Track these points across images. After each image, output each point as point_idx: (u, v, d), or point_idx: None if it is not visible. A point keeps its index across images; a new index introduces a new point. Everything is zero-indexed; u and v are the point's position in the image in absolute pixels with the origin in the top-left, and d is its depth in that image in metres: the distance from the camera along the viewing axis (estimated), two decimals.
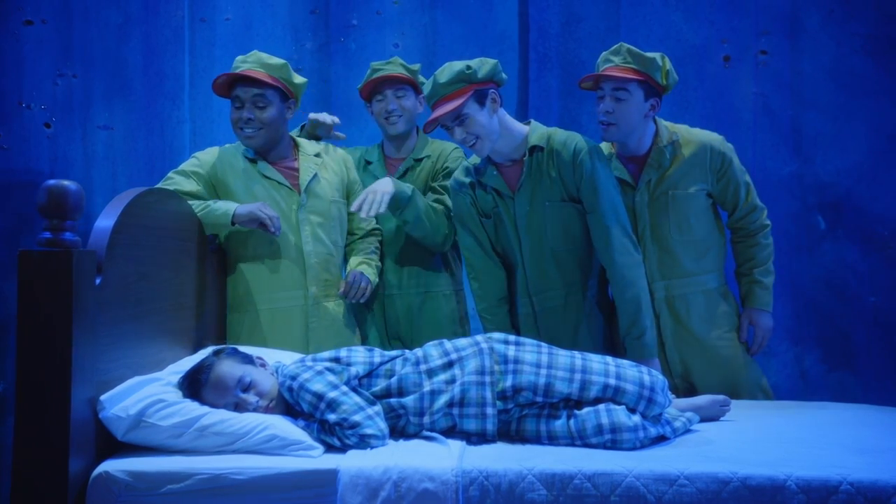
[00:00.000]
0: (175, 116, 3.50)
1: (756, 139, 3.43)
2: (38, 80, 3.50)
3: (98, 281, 1.93)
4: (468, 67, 2.46)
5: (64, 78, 3.51)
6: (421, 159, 2.91)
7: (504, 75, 2.57)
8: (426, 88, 2.54)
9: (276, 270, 2.70)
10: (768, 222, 2.74)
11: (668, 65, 2.62)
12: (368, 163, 2.97)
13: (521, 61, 3.50)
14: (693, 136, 2.68)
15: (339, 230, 2.80)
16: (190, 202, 2.59)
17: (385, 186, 2.63)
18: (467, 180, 2.66)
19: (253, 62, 2.69)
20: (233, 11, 3.52)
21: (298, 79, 2.76)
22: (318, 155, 2.81)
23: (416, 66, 2.91)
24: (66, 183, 1.85)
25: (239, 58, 2.73)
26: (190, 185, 2.65)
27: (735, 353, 2.68)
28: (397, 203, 2.68)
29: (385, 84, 2.85)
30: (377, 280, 2.81)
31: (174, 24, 3.49)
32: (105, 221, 2.02)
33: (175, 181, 2.65)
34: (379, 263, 2.84)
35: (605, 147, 2.77)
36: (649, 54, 2.59)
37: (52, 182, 1.85)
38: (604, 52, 2.65)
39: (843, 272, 3.39)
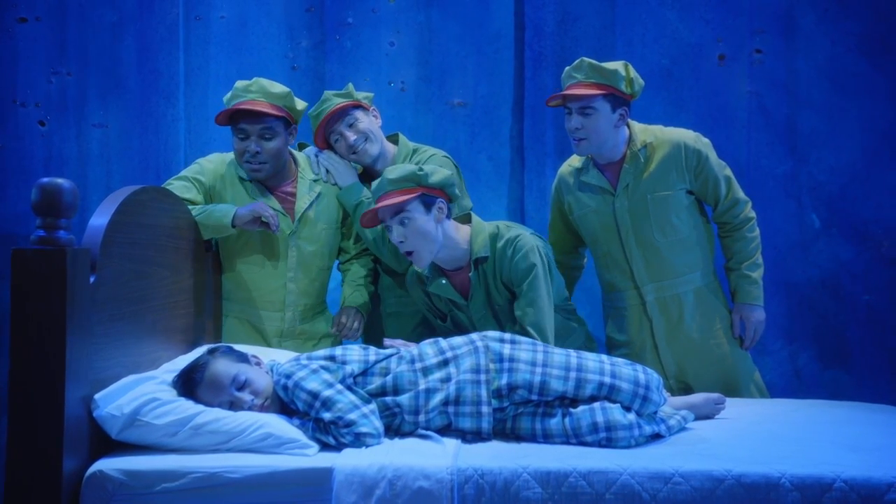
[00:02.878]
0: (170, 114, 3.49)
1: (751, 138, 3.43)
2: (33, 77, 3.48)
3: (92, 279, 1.92)
4: (420, 170, 2.41)
5: (58, 76, 3.49)
6: None
7: (457, 192, 2.49)
8: (374, 184, 2.48)
9: (258, 290, 2.70)
10: (753, 214, 2.72)
11: (633, 72, 2.60)
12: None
13: (517, 60, 3.50)
14: (666, 136, 2.66)
15: (330, 255, 2.77)
16: (189, 207, 2.59)
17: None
18: (420, 287, 2.59)
19: (256, 92, 2.61)
20: (227, 9, 3.51)
21: (300, 104, 2.71)
22: (317, 180, 2.75)
23: (348, 88, 2.77)
24: (59, 181, 1.84)
25: (240, 85, 2.63)
26: (190, 194, 2.63)
27: (727, 350, 2.69)
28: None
29: (331, 122, 2.71)
30: (370, 308, 2.77)
31: (169, 21, 3.48)
32: (99, 219, 2.02)
33: (175, 187, 2.62)
34: (372, 287, 2.80)
35: (580, 156, 2.75)
36: (611, 65, 2.58)
37: (45, 180, 1.84)
38: (566, 69, 2.63)
39: (837, 270, 3.40)
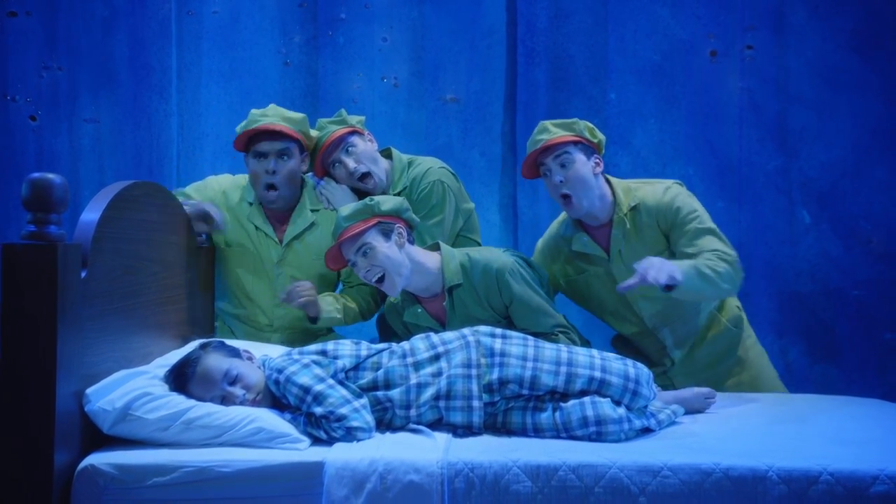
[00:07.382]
0: (162, 110, 3.49)
1: (742, 134, 3.45)
2: (23, 72, 3.48)
3: (83, 274, 1.92)
4: (371, 199, 2.43)
5: (49, 70, 3.49)
6: (399, 193, 2.75)
7: (416, 218, 2.50)
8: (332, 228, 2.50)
9: (248, 308, 2.73)
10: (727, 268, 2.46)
11: (590, 124, 2.58)
12: None
13: (509, 55, 3.50)
14: (649, 197, 2.56)
15: (322, 283, 2.71)
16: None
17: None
18: (398, 318, 2.59)
19: (273, 115, 2.65)
20: (220, 4, 3.50)
21: (314, 132, 2.73)
22: (315, 210, 2.73)
23: (342, 114, 2.74)
24: (50, 176, 1.83)
25: (256, 112, 2.67)
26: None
27: (743, 361, 2.66)
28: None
29: (329, 150, 2.71)
30: (339, 317, 2.66)
31: (161, 16, 3.47)
32: (90, 214, 2.01)
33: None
34: (354, 306, 2.70)
35: (565, 218, 2.67)
36: (568, 120, 2.57)
37: (35, 175, 1.83)
38: (530, 139, 2.58)
39: (826, 266, 3.43)
